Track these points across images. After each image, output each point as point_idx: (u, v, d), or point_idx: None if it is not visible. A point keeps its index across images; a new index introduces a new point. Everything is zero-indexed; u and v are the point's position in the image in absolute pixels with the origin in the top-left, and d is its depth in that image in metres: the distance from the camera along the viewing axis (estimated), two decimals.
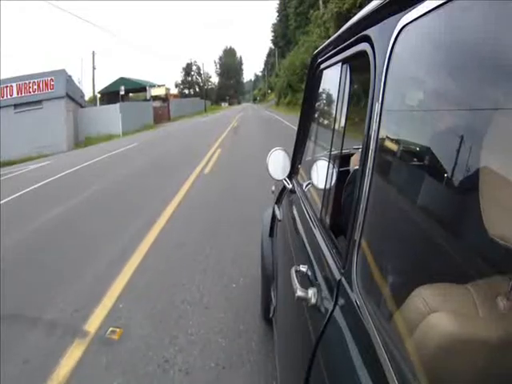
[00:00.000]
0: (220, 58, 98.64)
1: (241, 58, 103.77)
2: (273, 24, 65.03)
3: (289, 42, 48.44)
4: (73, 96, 24.34)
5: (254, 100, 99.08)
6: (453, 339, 0.48)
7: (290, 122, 16.92)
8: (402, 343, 0.56)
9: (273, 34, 65.88)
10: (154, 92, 41.25)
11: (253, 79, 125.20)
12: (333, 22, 15.13)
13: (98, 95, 40.04)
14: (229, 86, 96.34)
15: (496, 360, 0.48)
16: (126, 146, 15.27)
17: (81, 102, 26.78)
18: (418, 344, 0.53)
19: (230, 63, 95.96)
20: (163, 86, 43.66)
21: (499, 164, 0.47)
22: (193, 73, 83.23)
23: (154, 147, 13.69)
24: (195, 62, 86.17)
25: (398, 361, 0.54)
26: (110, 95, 36.65)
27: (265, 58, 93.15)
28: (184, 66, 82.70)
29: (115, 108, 26.52)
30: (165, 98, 40.74)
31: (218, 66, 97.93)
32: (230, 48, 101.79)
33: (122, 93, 33.56)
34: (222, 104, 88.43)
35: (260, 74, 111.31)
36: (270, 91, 75.69)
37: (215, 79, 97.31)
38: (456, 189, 0.57)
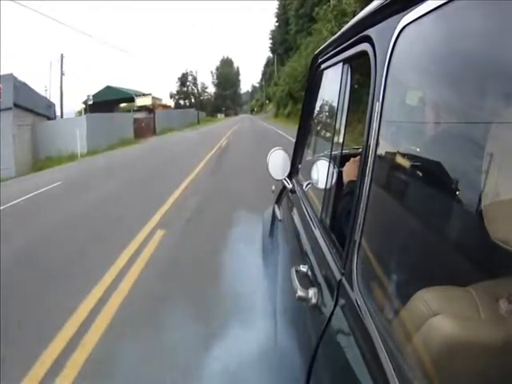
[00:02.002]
0: (217, 68, 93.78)
1: (238, 68, 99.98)
2: (271, 31, 60.45)
3: (289, 49, 44.16)
4: (30, 106, 19.20)
5: (252, 111, 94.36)
6: (454, 342, 0.48)
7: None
8: (403, 344, 0.56)
9: (271, 41, 61.48)
10: (139, 102, 36.82)
11: (250, 90, 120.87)
12: (359, 3, 11.86)
13: (83, 106, 36.40)
14: (225, 96, 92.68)
15: (497, 362, 0.48)
16: (59, 180, 10.25)
17: (47, 113, 21.90)
18: (419, 346, 0.53)
19: (226, 73, 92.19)
20: (149, 94, 38.24)
21: (501, 167, 0.47)
22: (188, 83, 79.92)
23: (89, 188, 8.40)
24: (191, 71, 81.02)
25: (399, 362, 0.54)
26: (96, 106, 32.21)
27: (262, 68, 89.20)
28: (179, 75, 79.22)
29: (81, 120, 21.21)
30: (152, 109, 35.94)
31: (214, 77, 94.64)
32: (227, 58, 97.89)
33: (90, 103, 29.71)
34: (218, 115, 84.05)
35: (257, 84, 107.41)
36: (267, 102, 72.01)
37: (212, 90, 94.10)
38: (458, 191, 0.56)
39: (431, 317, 0.51)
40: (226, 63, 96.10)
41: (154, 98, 39.41)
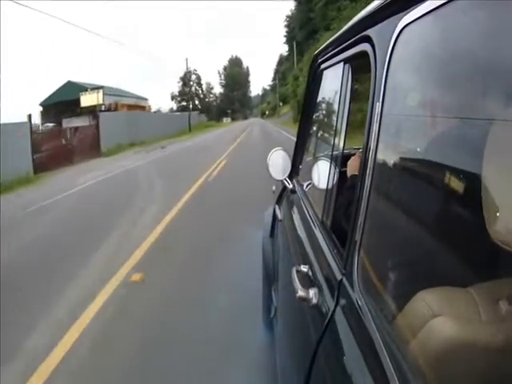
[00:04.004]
0: (224, 68, 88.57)
1: (247, 68, 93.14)
2: (287, 16, 50.73)
3: (313, 32, 33.80)
4: None
5: (263, 115, 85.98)
6: (455, 343, 0.48)
7: None
8: (404, 345, 0.56)
9: (287, 28, 51.68)
10: (85, 101, 24.47)
11: (261, 93, 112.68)
12: None
13: (40, 108, 28.09)
14: (233, 98, 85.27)
15: (498, 364, 0.48)
16: None
17: None
18: (419, 347, 0.53)
19: (235, 74, 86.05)
20: (100, 89, 24.83)
21: (501, 166, 0.46)
22: (192, 83, 71.25)
23: None
24: (195, 70, 71.50)
25: (400, 363, 0.53)
26: (58, 107, 24.64)
27: (274, 67, 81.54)
28: (182, 75, 69.38)
29: None
30: (96, 112, 21.16)
31: (222, 77, 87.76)
32: (236, 57, 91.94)
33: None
34: (224, 119, 74.82)
35: (268, 87, 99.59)
36: (281, 104, 62.76)
37: (219, 91, 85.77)
38: (458, 191, 0.56)
39: (432, 318, 0.51)
40: (235, 63, 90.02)
41: (108, 93, 25.70)
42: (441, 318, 0.51)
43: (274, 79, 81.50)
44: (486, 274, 0.53)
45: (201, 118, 50.55)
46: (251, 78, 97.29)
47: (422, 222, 0.66)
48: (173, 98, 69.42)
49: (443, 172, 0.60)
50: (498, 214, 0.46)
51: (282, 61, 70.04)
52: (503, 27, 0.48)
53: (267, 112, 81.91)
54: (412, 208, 0.70)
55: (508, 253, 0.44)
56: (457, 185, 0.57)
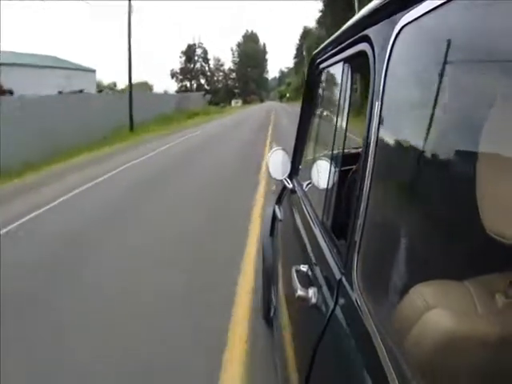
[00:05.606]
0: (238, 45, 75.87)
1: (264, 45, 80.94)
2: None
3: None
4: None
5: (281, 98, 73.83)
6: (451, 336, 0.48)
7: None
8: (403, 344, 0.56)
9: None
10: None
11: (278, 76, 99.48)
12: None
13: None
14: (247, 76, 71.75)
15: (494, 357, 0.48)
16: None
17: None
18: (417, 342, 0.53)
19: (250, 50, 73.56)
20: None
21: (496, 161, 0.47)
22: (197, 58, 60.48)
23: None
24: (200, 43, 60.49)
25: (399, 360, 0.54)
26: None
27: (297, 42, 65.46)
28: (184, 49, 57.39)
29: None
30: None
31: (235, 54, 74.86)
32: (252, 33, 79.12)
33: None
34: (233, 102, 62.32)
35: (286, 69, 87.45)
36: None
37: (229, 68, 72.33)
38: (454, 186, 0.57)
39: (428, 311, 0.52)
40: (250, 39, 77.61)
41: None
42: (436, 310, 0.51)
43: (296, 56, 66.77)
44: (482, 268, 0.53)
45: (201, 101, 34.83)
46: (268, 56, 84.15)
47: (420, 219, 0.66)
48: (173, 75, 56.47)
49: (440, 168, 0.61)
50: (492, 207, 0.46)
51: (306, 34, 55.59)
52: (502, 27, 0.48)
53: (288, 95, 67.92)
54: (409, 206, 0.71)
55: (504, 246, 0.45)
56: (453, 180, 0.57)
